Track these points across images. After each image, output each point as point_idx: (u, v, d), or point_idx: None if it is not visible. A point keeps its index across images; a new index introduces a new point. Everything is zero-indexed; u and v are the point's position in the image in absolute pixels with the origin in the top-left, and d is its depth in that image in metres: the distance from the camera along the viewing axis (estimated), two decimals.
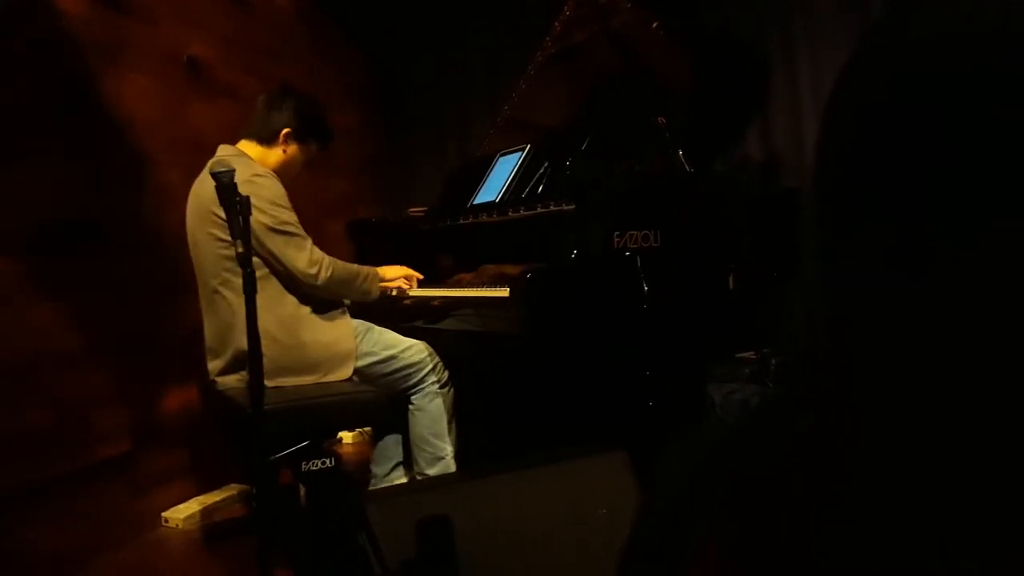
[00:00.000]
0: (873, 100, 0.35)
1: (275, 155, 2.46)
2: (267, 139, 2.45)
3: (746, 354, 2.92)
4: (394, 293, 2.61)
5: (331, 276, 2.32)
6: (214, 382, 2.37)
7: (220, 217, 2.19)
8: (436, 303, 2.57)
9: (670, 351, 2.30)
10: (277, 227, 2.26)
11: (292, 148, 2.48)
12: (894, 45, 0.35)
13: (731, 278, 2.40)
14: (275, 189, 2.31)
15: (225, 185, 1.71)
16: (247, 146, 2.45)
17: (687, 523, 0.43)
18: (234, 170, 1.72)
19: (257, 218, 2.18)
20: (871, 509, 0.32)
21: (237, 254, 1.68)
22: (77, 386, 2.47)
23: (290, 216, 2.30)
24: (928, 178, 0.32)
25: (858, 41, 0.38)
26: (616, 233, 2.16)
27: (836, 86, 0.38)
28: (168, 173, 2.89)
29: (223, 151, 2.39)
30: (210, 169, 1.72)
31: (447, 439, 2.47)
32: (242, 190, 2.18)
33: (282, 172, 2.44)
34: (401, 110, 4.66)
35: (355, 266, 2.47)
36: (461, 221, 2.78)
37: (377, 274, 2.52)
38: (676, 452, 0.50)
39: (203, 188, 2.29)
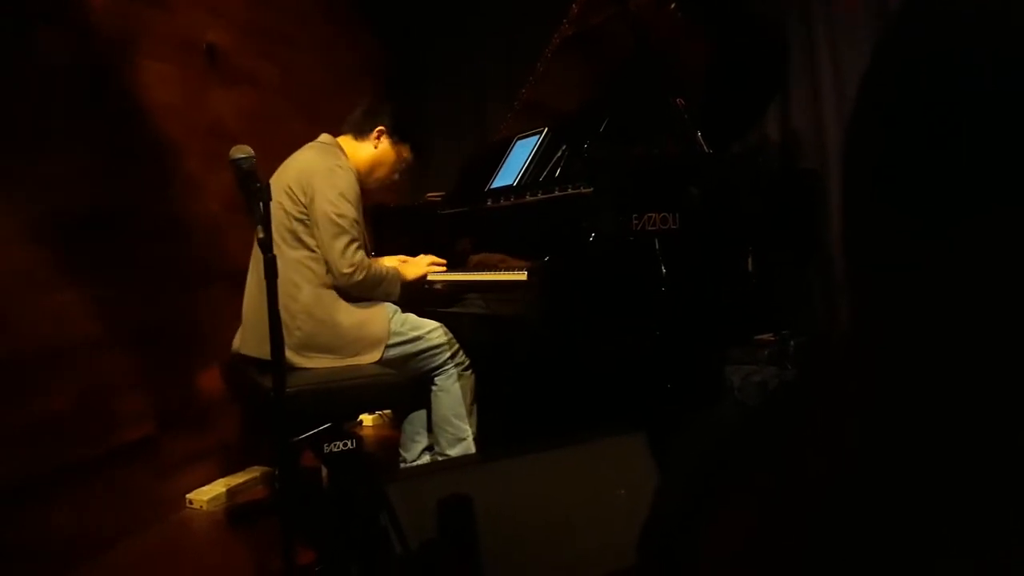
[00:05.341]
0: (904, 87, 0.35)
1: (366, 149, 2.63)
2: (362, 133, 2.63)
3: (765, 336, 2.91)
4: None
5: (363, 279, 2.40)
6: (239, 355, 2.46)
7: (293, 191, 2.39)
8: (454, 287, 2.58)
9: (688, 333, 2.30)
10: (335, 218, 2.36)
11: (384, 145, 2.64)
12: (923, 29, 0.35)
13: (749, 260, 2.39)
14: (348, 182, 2.44)
15: (244, 172, 1.71)
16: (343, 140, 2.62)
17: (705, 504, 0.44)
18: (254, 157, 1.73)
19: (321, 204, 2.37)
20: (889, 491, 0.33)
21: (258, 240, 1.69)
22: (101, 371, 2.50)
23: (350, 211, 2.40)
24: (956, 164, 0.32)
25: (885, 29, 0.38)
26: (634, 216, 2.15)
27: (865, 74, 0.38)
28: (188, 160, 2.90)
29: (323, 138, 2.59)
30: (230, 156, 1.73)
31: (468, 421, 2.51)
32: (320, 176, 2.40)
33: (369, 169, 2.62)
34: (418, 95, 4.65)
35: (384, 268, 2.52)
36: (479, 205, 2.78)
37: (399, 276, 2.56)
38: (694, 434, 0.50)
39: (290, 165, 2.50)
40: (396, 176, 2.75)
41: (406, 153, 2.70)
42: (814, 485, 0.36)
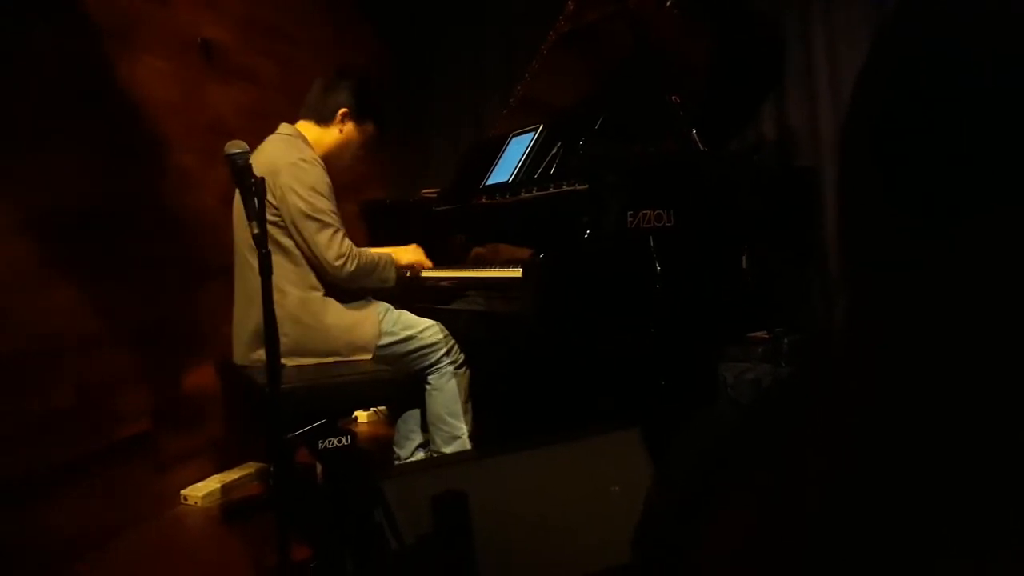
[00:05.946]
0: (901, 85, 0.35)
1: (331, 135, 2.51)
2: (324, 119, 2.50)
3: (759, 334, 2.91)
4: (407, 275, 2.63)
5: (356, 268, 2.34)
6: (234, 359, 2.42)
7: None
8: (449, 284, 2.58)
9: (683, 331, 2.30)
10: (312, 214, 2.29)
11: (349, 127, 2.53)
12: (920, 28, 0.35)
13: (744, 257, 2.39)
14: (317, 175, 2.34)
15: (239, 168, 1.70)
16: (305, 127, 2.50)
17: (701, 501, 0.44)
18: (248, 152, 1.72)
19: (295, 202, 2.27)
20: (888, 490, 0.33)
21: (253, 235, 1.68)
22: (99, 368, 2.50)
23: (326, 204, 2.32)
24: (956, 163, 0.32)
25: (882, 27, 0.38)
26: (629, 213, 2.15)
27: (862, 72, 0.38)
28: (185, 157, 2.90)
29: (282, 129, 2.46)
30: (225, 151, 1.72)
31: (463, 419, 2.49)
32: (286, 172, 2.28)
33: (338, 153, 2.52)
34: (416, 91, 4.65)
35: (375, 254, 2.46)
36: (474, 202, 2.78)
37: (393, 260, 2.52)
38: (689, 432, 0.50)
39: (255, 162, 2.35)
40: (363, 151, 2.66)
41: (371, 129, 2.61)
42: (814, 484, 0.36)
